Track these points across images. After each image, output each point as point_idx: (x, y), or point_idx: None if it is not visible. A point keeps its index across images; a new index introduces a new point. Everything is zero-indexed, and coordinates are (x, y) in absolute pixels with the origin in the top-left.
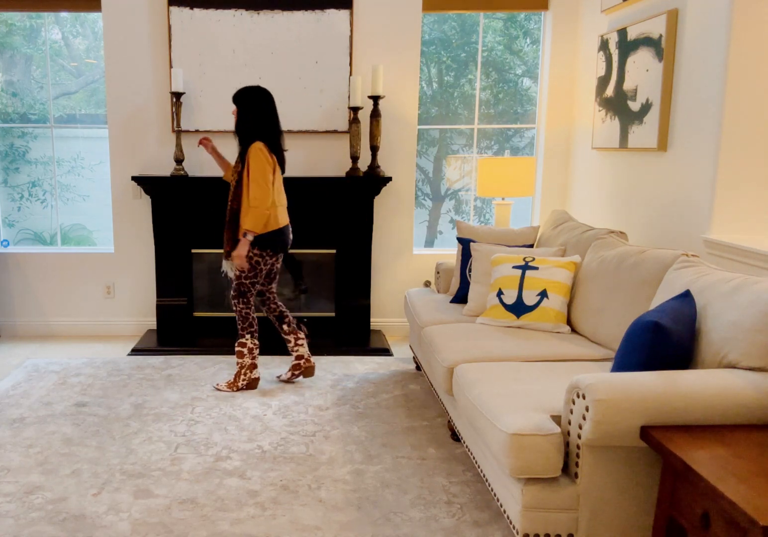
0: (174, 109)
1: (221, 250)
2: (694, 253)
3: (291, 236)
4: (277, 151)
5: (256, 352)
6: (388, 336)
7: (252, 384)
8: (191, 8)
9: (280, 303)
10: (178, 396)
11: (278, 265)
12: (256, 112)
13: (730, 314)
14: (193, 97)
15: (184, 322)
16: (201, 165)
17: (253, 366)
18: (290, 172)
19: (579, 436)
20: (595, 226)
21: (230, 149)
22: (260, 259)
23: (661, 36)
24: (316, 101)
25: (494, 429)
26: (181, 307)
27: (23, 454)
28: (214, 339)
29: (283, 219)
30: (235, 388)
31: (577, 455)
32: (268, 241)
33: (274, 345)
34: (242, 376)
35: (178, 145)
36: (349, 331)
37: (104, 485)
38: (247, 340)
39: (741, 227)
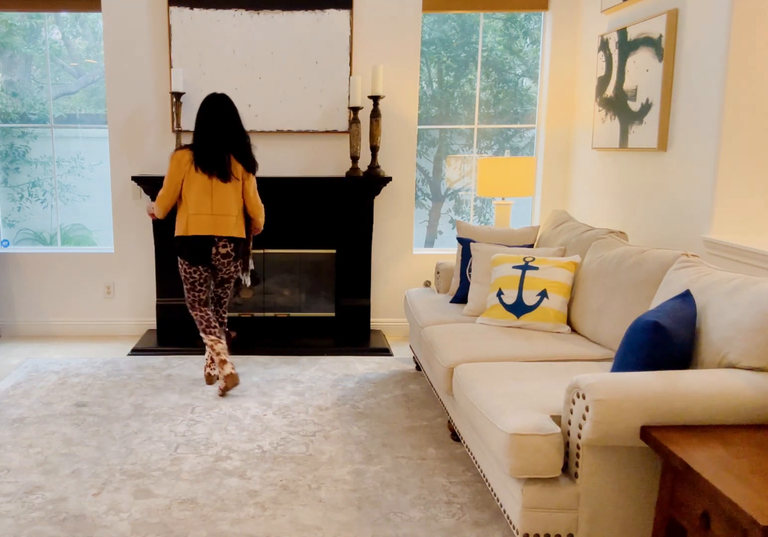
0: (174, 109)
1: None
2: (694, 253)
3: (214, 250)
4: (204, 158)
5: (209, 348)
6: (388, 336)
7: (206, 379)
8: (191, 8)
9: (222, 314)
10: (178, 396)
11: (202, 276)
12: (196, 121)
13: (730, 314)
14: (193, 97)
15: (184, 322)
16: None
17: (211, 360)
18: (290, 172)
19: (579, 436)
20: (595, 226)
21: None
22: (180, 266)
23: (661, 36)
24: (316, 101)
25: (494, 429)
26: (181, 307)
27: (23, 454)
28: None
29: (195, 228)
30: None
31: (577, 455)
32: (176, 249)
33: (274, 345)
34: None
35: (178, 145)
36: (349, 331)
37: (104, 485)
38: (203, 337)
39: (741, 227)
